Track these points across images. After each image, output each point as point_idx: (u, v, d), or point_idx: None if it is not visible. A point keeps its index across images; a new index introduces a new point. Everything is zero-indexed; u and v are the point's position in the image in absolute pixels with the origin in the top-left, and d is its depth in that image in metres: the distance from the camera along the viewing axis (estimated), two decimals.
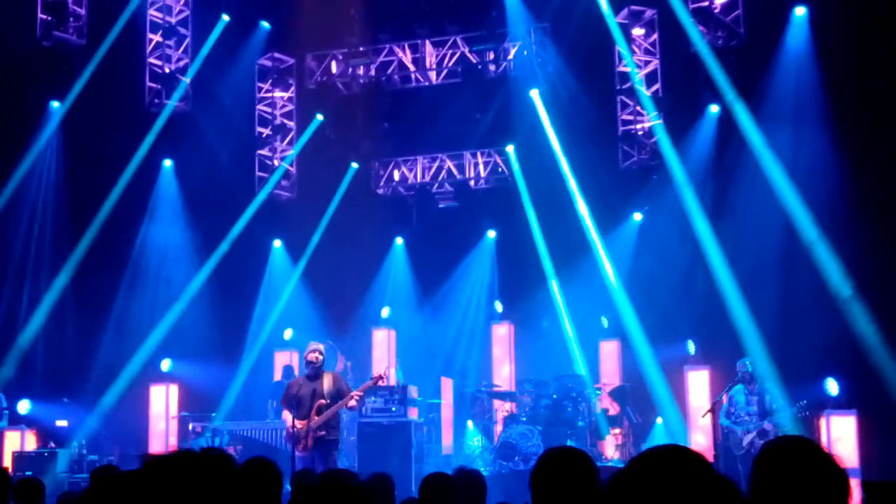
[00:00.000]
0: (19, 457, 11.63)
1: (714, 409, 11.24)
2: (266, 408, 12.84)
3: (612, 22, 14.48)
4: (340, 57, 16.47)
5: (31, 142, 13.78)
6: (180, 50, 15.61)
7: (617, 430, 12.83)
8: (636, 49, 14.94)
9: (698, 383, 12.94)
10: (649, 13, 14.94)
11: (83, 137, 14.10)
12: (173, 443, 13.67)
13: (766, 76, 13.50)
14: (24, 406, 11.95)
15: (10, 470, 9.45)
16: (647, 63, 14.95)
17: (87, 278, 14.02)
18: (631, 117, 15.06)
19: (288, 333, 14.92)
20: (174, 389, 14.19)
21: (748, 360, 11.51)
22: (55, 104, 14.03)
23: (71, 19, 14.40)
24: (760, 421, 11.02)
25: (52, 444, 12.17)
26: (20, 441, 12.18)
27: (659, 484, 1.86)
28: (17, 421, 12.06)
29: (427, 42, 16.13)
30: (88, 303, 14.09)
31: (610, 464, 11.85)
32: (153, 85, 15.32)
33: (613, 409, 13.05)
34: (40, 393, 12.42)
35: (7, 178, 13.47)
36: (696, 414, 12.61)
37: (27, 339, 13.21)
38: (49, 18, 14.10)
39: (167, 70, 15.34)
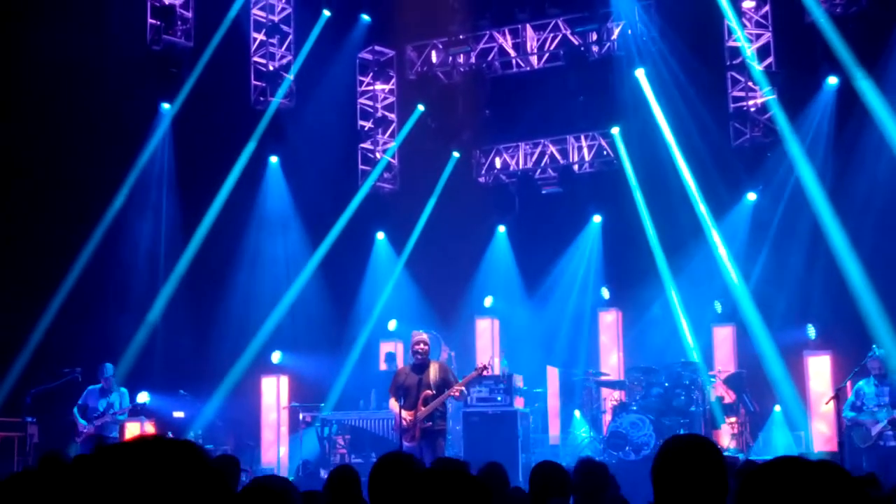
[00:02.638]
0: None
1: (838, 396, 10.68)
2: (369, 396, 12.91)
3: None
4: (440, 46, 16.41)
5: (143, 143, 14.22)
6: (283, 47, 15.84)
7: (733, 419, 12.34)
8: (747, 22, 14.37)
9: (819, 369, 12.34)
10: None
11: (193, 137, 14.47)
12: (284, 432, 13.93)
13: (891, 43, 12.71)
14: (143, 397, 12.33)
15: None
16: (758, 36, 14.36)
17: (200, 273, 14.40)
18: (742, 93, 14.49)
19: (392, 324, 14.99)
20: (284, 380, 14.44)
21: (877, 347, 10.86)
22: (165, 106, 14.43)
23: (179, 23, 14.76)
24: (893, 410, 10.35)
25: (170, 435, 12.53)
26: (140, 431, 12.60)
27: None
28: (136, 412, 12.48)
29: (528, 26, 15.91)
30: (202, 297, 14.47)
31: (726, 454, 11.38)
32: (258, 83, 15.59)
33: (729, 397, 12.57)
34: (158, 385, 12.81)
35: (123, 179, 13.94)
36: (816, 401, 12.03)
37: (145, 334, 13.66)
38: (158, 23, 14.49)
39: (271, 68, 15.59)
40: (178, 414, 13.00)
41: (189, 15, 14.81)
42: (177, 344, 13.97)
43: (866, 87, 12.64)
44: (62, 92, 12.79)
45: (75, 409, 10.90)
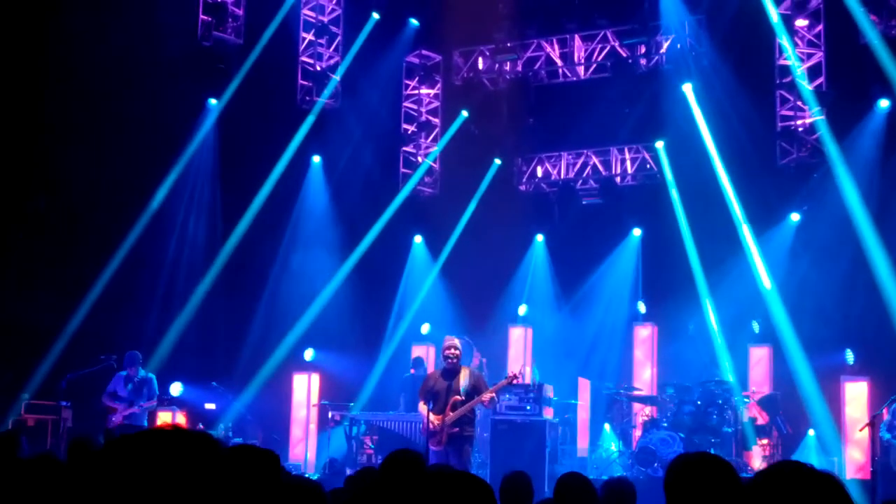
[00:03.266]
0: None
1: (874, 423, 10.51)
2: (398, 401, 12.93)
3: (774, 13, 13.76)
4: (487, 53, 16.42)
5: (189, 138, 14.41)
6: (331, 48, 15.96)
7: (765, 441, 12.16)
8: (799, 41, 14.19)
9: (856, 395, 12.12)
10: (814, 2, 14.18)
11: (238, 133, 14.63)
12: (313, 429, 14.00)
13: None
14: (176, 388, 12.50)
15: None
16: (810, 56, 14.18)
17: (238, 268, 14.55)
18: (791, 113, 14.31)
19: (425, 328, 15.00)
20: (315, 378, 14.53)
21: None
22: (212, 101, 14.61)
23: (230, 20, 14.93)
24: None
25: (201, 426, 12.67)
26: (171, 421, 12.76)
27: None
28: (169, 402, 12.62)
29: (576, 36, 15.86)
30: (239, 292, 14.62)
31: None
32: (305, 83, 15.73)
33: (762, 419, 12.38)
34: (192, 376, 12.96)
35: (167, 172, 14.14)
36: (852, 427, 11.80)
37: (182, 325, 13.83)
38: (210, 19, 14.67)
39: (318, 68, 15.72)
40: (210, 406, 13.13)
41: (240, 13, 14.99)
42: (212, 337, 14.13)
43: None
44: (112, 84, 13.01)
45: (104, 397, 11.02)
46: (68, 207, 13.17)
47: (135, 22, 12.87)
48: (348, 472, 11.05)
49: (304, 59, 15.78)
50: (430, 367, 13.18)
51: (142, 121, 13.28)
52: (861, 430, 11.06)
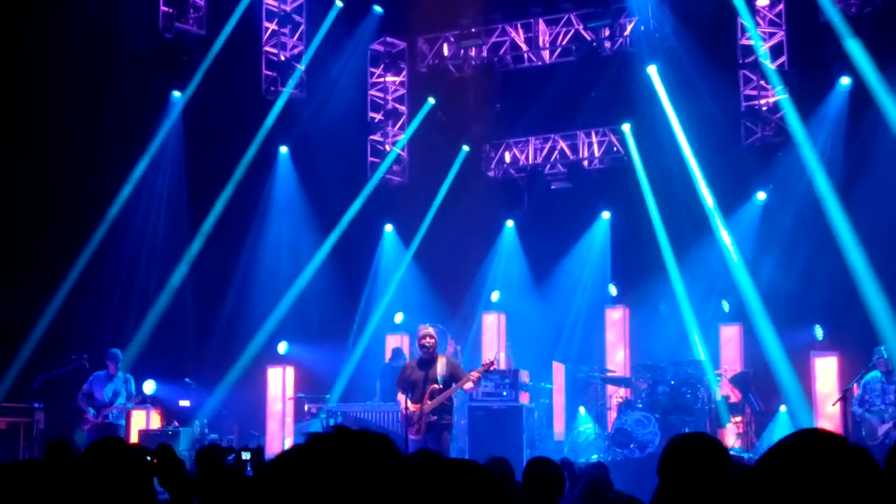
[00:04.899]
0: (145, 435, 12.08)
1: (845, 398, 10.71)
2: (374, 389, 12.93)
3: None
4: (452, 39, 16.37)
5: (154, 131, 14.22)
6: (295, 37, 15.82)
7: (738, 418, 12.32)
8: (760, 21, 14.31)
9: (826, 370, 12.32)
10: None
11: (203, 125, 14.46)
12: (289, 423, 13.96)
13: None
14: (149, 386, 12.37)
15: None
16: (772, 35, 14.30)
17: (207, 262, 14.41)
18: (755, 92, 14.43)
19: (399, 317, 14.99)
20: (290, 371, 14.48)
21: (884, 347, 10.88)
22: (176, 94, 14.43)
23: (191, 11, 14.74)
24: None
25: (176, 423, 12.58)
26: (146, 420, 12.65)
27: (813, 480, 1.53)
28: (142, 402, 12.51)
29: (540, 21, 15.85)
30: (209, 286, 14.49)
31: (731, 452, 11.37)
32: (269, 73, 15.57)
33: (735, 397, 12.55)
34: (165, 374, 12.84)
35: (132, 166, 13.96)
36: (823, 402, 12.01)
37: (153, 322, 13.69)
38: (171, 11, 14.47)
39: (282, 58, 15.57)
40: (184, 403, 13.03)
41: (201, 3, 14.79)
42: (184, 332, 14.01)
43: (879, 88, 12.57)
44: (73, 77, 12.80)
45: (81, 398, 10.90)
46: (31, 204, 12.95)
47: (95, 15, 12.66)
48: None
49: (267, 48, 15.62)
50: (407, 355, 13.18)
51: (105, 114, 13.09)
52: (833, 405, 11.26)
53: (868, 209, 12.50)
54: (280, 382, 14.36)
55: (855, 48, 12.82)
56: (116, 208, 13.66)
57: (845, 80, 13.42)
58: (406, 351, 13.80)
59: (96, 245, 13.40)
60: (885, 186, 12.45)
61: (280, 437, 14.10)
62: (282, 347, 14.61)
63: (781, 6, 14.32)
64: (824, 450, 1.59)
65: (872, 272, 12.16)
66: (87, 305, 12.93)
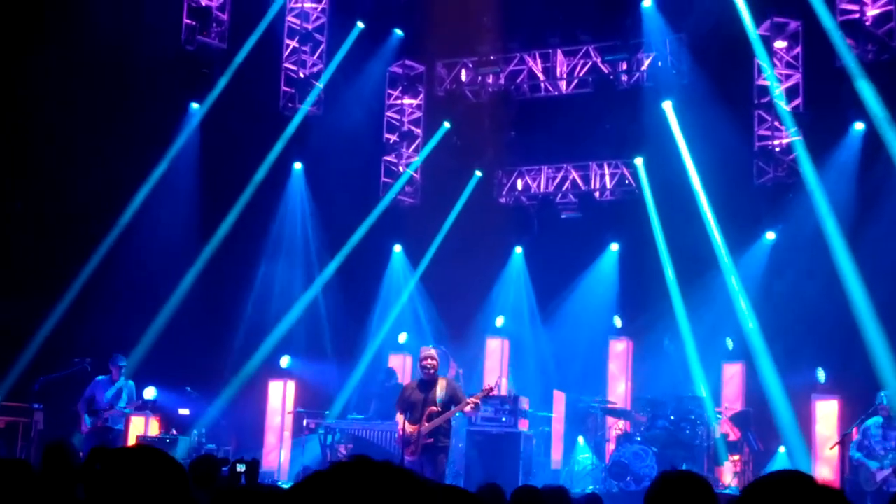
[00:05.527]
0: (143, 441, 12.12)
1: (844, 441, 10.66)
2: (368, 406, 12.97)
3: (754, 34, 13.94)
4: (470, 65, 16.51)
5: (171, 141, 14.37)
6: (315, 55, 15.99)
7: (736, 457, 12.28)
8: (777, 62, 14.38)
9: (827, 413, 12.28)
10: (793, 25, 14.37)
11: (220, 138, 14.61)
12: (287, 437, 13.97)
13: None
14: (150, 392, 12.43)
15: None
16: (788, 77, 14.37)
17: (217, 274, 14.51)
18: (769, 133, 14.48)
19: (402, 337, 15.03)
20: (291, 385, 14.51)
21: (885, 393, 10.85)
22: (195, 105, 14.59)
23: (214, 24, 14.94)
24: None
25: (174, 431, 12.62)
26: (144, 426, 12.69)
27: None
28: (142, 408, 12.55)
29: (559, 51, 15.97)
30: (216, 297, 14.57)
31: (727, 491, 11.34)
32: (287, 89, 15.74)
33: (734, 435, 12.51)
34: (166, 381, 12.89)
35: (147, 174, 14.10)
36: (822, 445, 11.95)
37: (158, 329, 13.77)
38: (194, 24, 14.67)
39: (302, 75, 15.74)
40: (184, 411, 13.08)
41: (225, 17, 15.00)
42: (188, 342, 14.06)
43: (891, 134, 12.60)
44: (94, 87, 12.97)
45: (81, 403, 10.96)
46: (46, 210, 13.09)
47: (119, 25, 12.84)
48: None
49: (287, 65, 15.80)
50: (407, 378, 13.20)
51: (124, 124, 13.25)
52: (831, 448, 11.21)
53: (874, 255, 12.49)
54: (281, 396, 14.39)
55: (869, 94, 12.87)
56: (129, 215, 13.78)
57: (859, 126, 13.46)
58: (408, 371, 13.82)
59: (107, 250, 13.52)
60: (893, 233, 12.45)
61: (277, 450, 14.11)
62: (284, 361, 14.66)
63: (799, 49, 14.41)
64: (801, 490, 1.67)
65: (877, 317, 12.14)
66: (94, 311, 13.02)
